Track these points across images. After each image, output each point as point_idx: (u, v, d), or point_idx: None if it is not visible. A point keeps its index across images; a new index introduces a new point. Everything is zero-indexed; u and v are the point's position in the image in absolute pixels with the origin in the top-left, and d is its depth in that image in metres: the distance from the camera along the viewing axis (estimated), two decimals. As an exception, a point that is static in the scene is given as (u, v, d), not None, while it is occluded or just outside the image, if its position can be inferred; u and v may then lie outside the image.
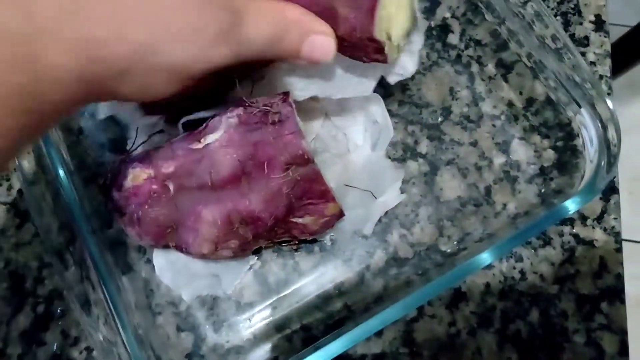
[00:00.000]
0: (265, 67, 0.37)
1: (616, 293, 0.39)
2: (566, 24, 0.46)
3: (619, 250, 0.40)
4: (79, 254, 0.34)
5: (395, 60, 0.35)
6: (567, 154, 0.41)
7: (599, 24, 0.46)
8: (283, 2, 0.28)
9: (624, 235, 0.41)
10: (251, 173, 0.33)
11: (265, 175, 0.33)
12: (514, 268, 0.39)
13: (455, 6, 0.46)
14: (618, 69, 0.91)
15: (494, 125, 0.42)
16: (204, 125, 0.35)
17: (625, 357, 0.37)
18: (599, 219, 0.41)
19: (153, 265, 0.39)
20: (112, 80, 0.23)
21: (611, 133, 0.35)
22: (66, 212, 0.34)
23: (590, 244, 0.40)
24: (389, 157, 0.41)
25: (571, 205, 0.34)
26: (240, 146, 0.33)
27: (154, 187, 0.34)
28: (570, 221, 0.40)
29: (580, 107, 0.37)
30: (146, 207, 0.34)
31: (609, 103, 0.35)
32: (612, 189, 0.41)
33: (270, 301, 0.39)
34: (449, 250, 0.40)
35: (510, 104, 0.43)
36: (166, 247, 0.36)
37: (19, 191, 0.42)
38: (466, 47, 0.44)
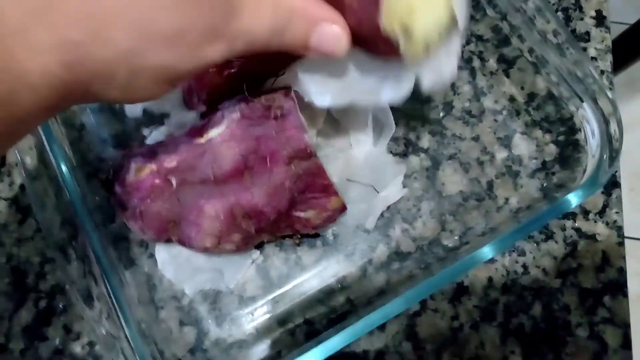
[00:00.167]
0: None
1: (619, 287, 0.39)
2: (567, 20, 0.46)
3: (621, 244, 0.40)
4: (81, 248, 0.34)
5: (419, 61, 0.28)
6: (569, 148, 0.41)
7: (600, 19, 0.46)
8: None
9: (625, 233, 0.41)
10: (254, 167, 0.33)
11: (268, 169, 0.33)
12: (517, 262, 0.39)
13: (456, 1, 0.46)
14: (618, 66, 0.91)
15: (495, 120, 0.42)
16: (207, 119, 0.35)
17: (628, 350, 0.37)
18: (601, 213, 0.41)
19: (155, 260, 0.39)
20: (94, 84, 0.21)
21: (613, 127, 0.35)
22: (69, 207, 0.34)
23: (592, 238, 0.40)
24: (391, 152, 0.41)
25: (573, 199, 0.34)
26: (242, 140, 0.33)
27: (157, 181, 0.34)
28: (572, 215, 0.41)
29: (582, 101, 0.37)
30: (149, 201, 0.34)
31: (611, 97, 0.35)
32: (614, 184, 0.41)
33: (272, 295, 0.39)
34: (451, 245, 0.40)
35: (511, 99, 0.43)
36: (169, 241, 0.36)
37: (21, 186, 0.42)
38: (467, 43, 0.45)
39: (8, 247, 0.40)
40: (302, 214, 0.36)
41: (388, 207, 0.40)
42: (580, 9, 0.46)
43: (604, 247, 0.40)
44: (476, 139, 0.42)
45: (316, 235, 0.39)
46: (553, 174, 0.41)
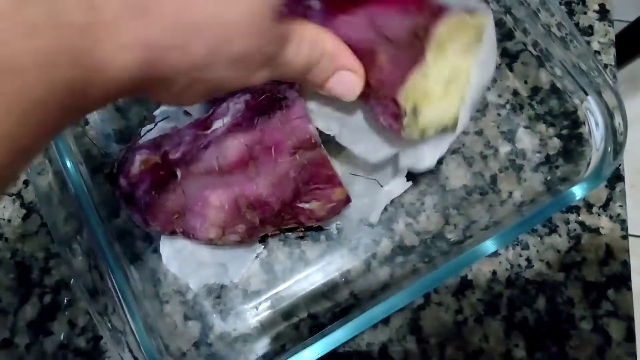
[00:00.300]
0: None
1: (622, 280, 0.39)
2: (570, 13, 0.46)
3: (624, 237, 0.40)
4: (86, 243, 0.34)
5: (410, 139, 0.31)
6: (573, 142, 0.41)
7: (603, 13, 0.46)
8: (325, 30, 0.27)
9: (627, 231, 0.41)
10: (258, 158, 0.33)
11: (273, 159, 0.33)
12: (520, 255, 0.39)
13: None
14: (618, 63, 0.91)
15: (499, 114, 0.42)
16: (211, 111, 0.35)
17: (632, 343, 0.37)
18: (605, 206, 0.41)
19: (160, 255, 0.39)
20: (155, 86, 0.22)
21: (618, 120, 0.35)
22: (73, 201, 0.34)
23: (596, 231, 0.40)
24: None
25: (577, 192, 0.34)
26: (247, 131, 0.33)
27: (161, 173, 0.34)
28: (575, 209, 0.41)
29: (586, 94, 0.37)
30: (154, 193, 0.34)
31: (616, 90, 0.35)
32: (617, 177, 0.41)
33: (276, 290, 0.39)
34: (455, 238, 0.40)
35: (515, 93, 0.43)
36: (173, 233, 0.36)
37: (25, 182, 0.42)
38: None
39: (12, 243, 0.40)
40: (306, 205, 0.35)
41: (392, 201, 0.40)
42: (584, 2, 0.46)
43: (607, 241, 0.40)
44: (479, 133, 0.42)
45: (320, 229, 0.39)
46: (557, 167, 0.41)
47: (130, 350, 0.32)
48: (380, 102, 0.30)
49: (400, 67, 0.28)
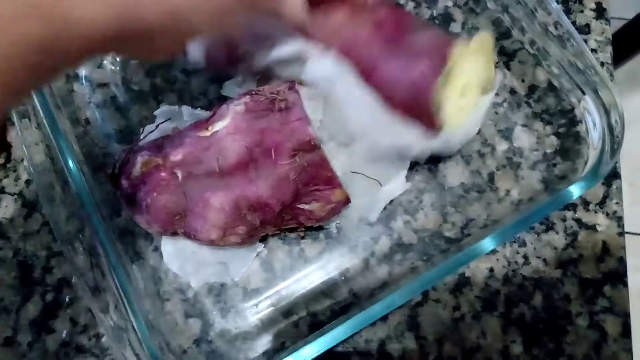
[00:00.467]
0: None
1: (619, 276, 0.39)
2: (567, 12, 0.46)
3: (621, 234, 0.40)
4: (88, 242, 0.34)
5: (439, 129, 0.36)
6: (570, 140, 0.41)
7: (600, 11, 0.46)
8: None
9: (625, 228, 0.41)
10: (258, 159, 0.33)
11: (273, 161, 0.33)
12: (517, 253, 0.40)
13: (457, -6, 0.46)
14: (616, 61, 0.92)
15: (496, 113, 0.43)
16: (212, 112, 0.35)
17: (628, 338, 0.38)
18: (601, 204, 0.41)
19: (161, 253, 0.39)
20: (131, 40, 0.22)
21: (614, 118, 0.36)
22: (75, 201, 0.35)
23: (592, 228, 0.40)
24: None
25: (575, 190, 0.34)
26: (247, 133, 0.34)
27: (163, 174, 0.34)
28: (572, 206, 0.41)
29: (583, 93, 0.37)
30: (155, 194, 0.34)
31: (613, 88, 0.36)
32: (614, 175, 0.41)
33: (276, 288, 0.39)
34: (452, 236, 0.40)
35: (512, 91, 0.43)
36: (175, 234, 0.36)
37: (27, 182, 0.42)
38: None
39: (14, 242, 0.41)
40: (306, 206, 0.36)
41: (391, 201, 0.41)
42: (580, 1, 0.46)
43: (604, 238, 0.40)
44: (477, 131, 0.42)
45: (319, 228, 0.40)
46: (554, 165, 0.41)
47: (132, 348, 0.32)
48: (416, 97, 0.35)
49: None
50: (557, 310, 0.39)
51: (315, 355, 0.31)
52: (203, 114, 0.41)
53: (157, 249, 0.39)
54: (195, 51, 0.37)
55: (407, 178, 0.41)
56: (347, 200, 0.36)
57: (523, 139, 0.42)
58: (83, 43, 0.20)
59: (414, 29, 0.37)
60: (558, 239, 0.40)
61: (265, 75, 0.39)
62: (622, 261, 0.40)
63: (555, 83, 0.40)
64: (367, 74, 0.36)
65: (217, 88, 0.43)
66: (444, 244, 0.40)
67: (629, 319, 0.39)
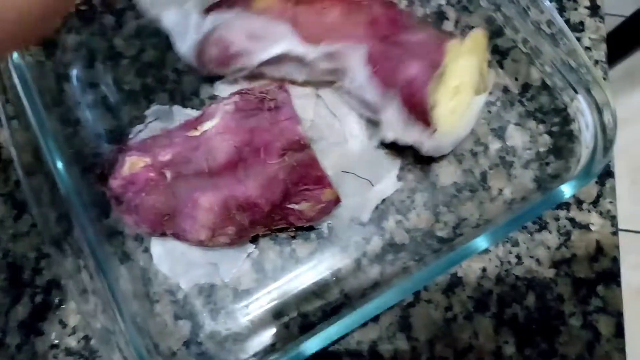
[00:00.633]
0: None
1: (612, 276, 0.39)
2: (561, 10, 0.46)
3: (615, 233, 0.40)
4: (76, 243, 0.34)
5: (433, 127, 0.36)
6: (563, 138, 0.41)
7: (594, 9, 0.46)
8: None
9: (625, 226, 0.41)
10: (247, 159, 0.33)
11: (262, 161, 0.33)
12: (510, 252, 0.40)
13: (450, -7, 0.46)
14: (615, 58, 0.91)
15: (489, 111, 0.42)
16: (201, 112, 0.35)
17: (621, 339, 0.38)
18: (595, 203, 0.41)
19: (150, 254, 0.39)
20: None
21: (607, 117, 0.35)
22: (64, 202, 0.34)
23: (586, 227, 0.40)
24: (386, 145, 0.41)
25: (567, 190, 0.34)
26: (236, 132, 0.33)
27: (151, 174, 0.34)
28: (566, 205, 0.41)
29: (576, 92, 0.37)
30: (143, 194, 0.34)
31: (605, 87, 0.35)
32: (608, 173, 0.41)
33: (267, 289, 0.39)
34: (445, 236, 0.40)
35: (505, 90, 0.43)
36: (164, 235, 0.36)
37: (16, 182, 0.42)
38: (462, 34, 0.44)
39: (4, 243, 0.40)
40: (296, 206, 0.36)
41: (383, 200, 0.40)
42: (574, -1, 0.46)
43: (597, 237, 0.40)
44: (470, 130, 0.42)
45: (311, 228, 0.40)
46: (547, 164, 0.41)
47: (120, 350, 0.32)
48: (411, 93, 0.35)
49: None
50: (550, 310, 0.38)
51: (306, 356, 0.31)
52: (194, 113, 0.41)
53: (147, 250, 0.39)
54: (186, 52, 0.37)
55: (399, 177, 0.40)
56: (337, 200, 0.36)
57: (516, 137, 0.42)
58: None
59: (409, 27, 0.37)
60: (551, 238, 0.40)
61: (256, 75, 0.38)
62: (615, 261, 0.39)
63: (548, 82, 0.40)
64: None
65: (209, 88, 0.43)
66: (436, 243, 0.39)
67: (622, 319, 0.38)
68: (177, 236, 0.35)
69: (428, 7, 0.46)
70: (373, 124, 0.41)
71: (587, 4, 0.46)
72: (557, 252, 0.40)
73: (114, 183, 0.35)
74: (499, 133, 0.42)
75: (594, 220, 0.40)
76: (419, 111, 0.35)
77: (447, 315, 0.38)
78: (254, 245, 0.39)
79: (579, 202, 0.41)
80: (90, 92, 0.44)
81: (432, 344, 0.38)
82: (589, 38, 0.45)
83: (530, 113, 0.42)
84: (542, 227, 0.40)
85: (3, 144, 0.43)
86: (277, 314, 0.38)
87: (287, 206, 0.35)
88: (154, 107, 0.42)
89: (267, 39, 0.35)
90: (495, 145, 0.42)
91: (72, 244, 0.34)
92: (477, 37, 0.37)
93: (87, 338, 0.38)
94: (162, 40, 0.43)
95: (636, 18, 0.89)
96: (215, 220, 0.34)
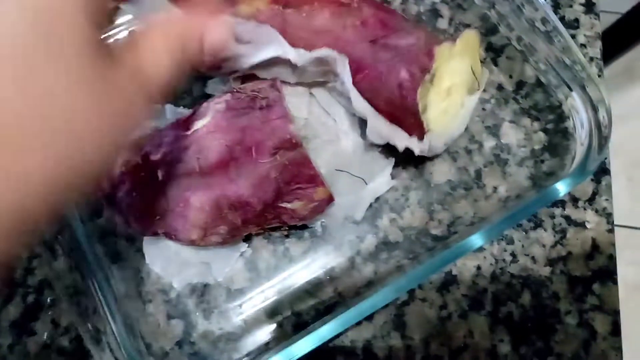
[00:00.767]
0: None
1: (608, 274, 0.39)
2: (556, 7, 0.46)
3: (611, 231, 0.40)
4: (68, 244, 0.34)
5: (425, 129, 0.36)
6: (558, 136, 0.40)
7: (589, 6, 0.46)
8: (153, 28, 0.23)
9: (622, 222, 0.41)
10: (239, 158, 0.33)
11: (253, 160, 0.33)
12: (505, 250, 0.39)
13: (444, -10, 0.45)
14: (611, 55, 0.91)
15: (483, 109, 0.42)
16: (192, 111, 0.35)
17: (618, 337, 0.37)
18: (591, 200, 0.40)
19: (143, 254, 0.38)
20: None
21: (602, 114, 0.35)
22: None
23: (582, 225, 0.40)
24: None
25: (562, 187, 0.34)
26: (228, 131, 0.33)
27: (142, 174, 0.34)
28: (561, 203, 0.40)
29: (571, 89, 0.37)
30: (134, 194, 0.34)
31: (600, 84, 0.35)
32: (603, 171, 0.41)
33: (260, 288, 0.38)
34: (439, 234, 0.39)
35: (500, 88, 0.43)
36: (155, 234, 0.36)
37: (8, 182, 0.41)
38: (455, 31, 0.44)
39: (-5, 243, 0.40)
40: (288, 205, 0.35)
41: (377, 199, 0.40)
42: (569, -5, 0.46)
43: (593, 235, 0.40)
44: (463, 129, 0.42)
45: (304, 227, 0.39)
46: (542, 162, 0.41)
47: (112, 351, 0.31)
48: (401, 98, 0.35)
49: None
50: (546, 308, 0.38)
51: (299, 355, 0.31)
52: (186, 112, 0.40)
53: (139, 249, 0.39)
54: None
55: (393, 175, 0.40)
56: (330, 199, 0.36)
57: (511, 135, 0.42)
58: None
59: (399, 29, 0.37)
60: (547, 236, 0.40)
61: (248, 76, 0.38)
62: (611, 258, 0.39)
63: (543, 79, 0.40)
64: (352, 75, 0.36)
65: (202, 86, 0.42)
66: (430, 241, 0.39)
67: (618, 317, 0.38)
68: (169, 236, 0.35)
69: (422, 5, 0.45)
70: (366, 123, 0.41)
71: (582, 1, 0.46)
72: (552, 250, 0.39)
73: (105, 183, 0.34)
74: (494, 131, 0.42)
75: (590, 217, 0.40)
76: (410, 114, 0.35)
77: (442, 314, 0.38)
78: (247, 244, 0.39)
79: (574, 200, 0.41)
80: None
81: (427, 343, 0.38)
82: (584, 35, 0.45)
83: (525, 110, 0.42)
84: (538, 224, 0.40)
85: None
86: (270, 313, 0.38)
87: (280, 205, 0.35)
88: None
89: (257, 44, 0.35)
90: (489, 143, 0.41)
91: (63, 244, 0.34)
92: (469, 38, 0.37)
93: (79, 338, 0.38)
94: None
95: (632, 15, 0.89)
96: (207, 220, 0.33)
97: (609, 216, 0.40)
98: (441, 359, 0.37)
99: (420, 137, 0.36)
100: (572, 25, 0.45)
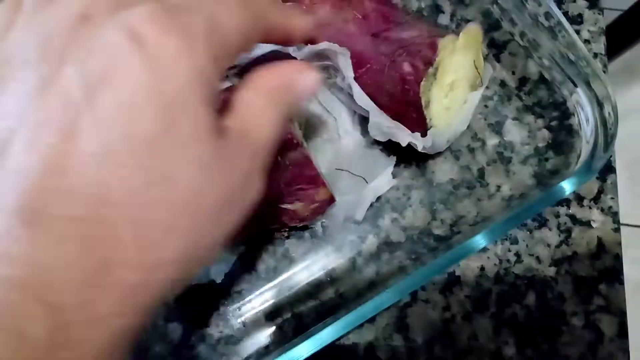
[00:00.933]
0: None
1: (614, 274, 0.38)
2: (559, 2, 0.45)
3: (616, 230, 0.39)
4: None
5: (429, 123, 0.35)
6: (562, 133, 0.40)
7: (593, 1, 0.45)
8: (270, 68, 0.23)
9: (624, 220, 0.40)
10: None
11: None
12: (509, 251, 0.39)
13: (445, -15, 0.45)
14: (612, 52, 0.91)
15: (486, 106, 0.41)
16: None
17: (625, 339, 0.37)
18: (596, 199, 0.40)
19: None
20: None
21: (608, 110, 0.34)
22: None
23: (587, 224, 0.39)
24: (380, 143, 0.40)
25: (568, 186, 0.33)
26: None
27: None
28: (566, 202, 0.40)
29: (575, 85, 0.36)
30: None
31: (605, 80, 0.34)
32: (608, 169, 0.40)
33: (260, 289, 0.38)
34: (442, 234, 0.39)
35: (502, 84, 0.42)
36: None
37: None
38: (457, 27, 0.43)
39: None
40: (289, 206, 0.35)
41: (378, 198, 0.39)
42: (573, -9, 0.45)
43: (599, 234, 0.39)
44: (466, 127, 0.41)
45: (305, 228, 0.39)
46: (546, 160, 0.40)
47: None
48: (405, 95, 0.34)
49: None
50: (551, 309, 0.37)
51: (301, 359, 0.30)
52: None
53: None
54: None
55: (394, 174, 0.39)
56: (331, 199, 0.35)
57: (514, 132, 0.41)
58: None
59: (401, 23, 0.36)
60: (551, 235, 0.39)
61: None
62: (618, 258, 0.38)
63: (547, 75, 0.39)
64: (354, 70, 0.35)
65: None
66: (433, 242, 0.38)
67: (625, 318, 0.37)
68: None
69: (423, 1, 0.45)
70: (367, 120, 0.40)
71: (586, -5, 0.45)
72: (557, 250, 0.39)
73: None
74: (497, 128, 0.41)
75: (595, 216, 0.39)
76: (413, 109, 0.34)
77: (445, 316, 0.37)
78: (246, 246, 0.38)
79: (579, 199, 0.40)
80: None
81: (430, 345, 0.37)
82: (588, 31, 0.44)
83: (528, 107, 0.41)
84: (542, 224, 0.39)
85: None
86: (270, 315, 0.37)
87: (280, 206, 0.34)
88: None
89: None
90: (492, 141, 0.41)
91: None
92: (472, 32, 0.36)
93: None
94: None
95: (634, 12, 0.88)
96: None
97: (614, 215, 0.39)
98: (445, 361, 0.37)
99: (423, 133, 0.35)
100: (576, 20, 0.44)
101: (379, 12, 0.36)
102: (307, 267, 0.38)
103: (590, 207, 0.40)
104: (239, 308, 0.37)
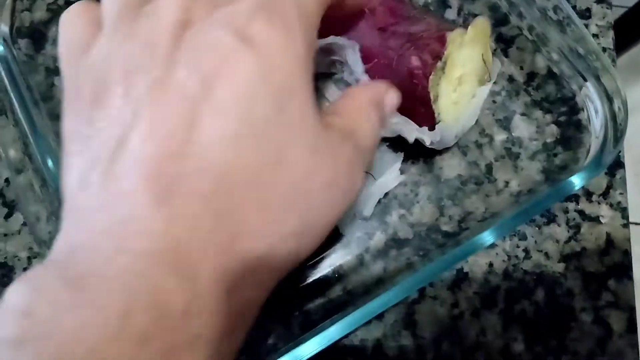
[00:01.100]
0: None
1: (623, 270, 0.38)
2: (567, -4, 0.44)
3: (625, 226, 0.39)
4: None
5: (437, 118, 0.35)
6: (571, 128, 0.39)
7: (601, -5, 0.44)
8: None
9: (631, 218, 0.40)
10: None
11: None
12: (518, 247, 0.38)
13: (452, -21, 0.44)
14: (618, 48, 0.90)
15: (494, 101, 0.41)
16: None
17: (634, 334, 0.36)
18: (605, 194, 0.39)
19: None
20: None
21: (617, 105, 0.34)
22: (54, 200, 0.33)
23: (596, 220, 0.39)
24: (387, 139, 0.40)
25: (577, 181, 0.33)
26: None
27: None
28: (575, 197, 0.39)
29: (585, 79, 0.36)
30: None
31: (615, 74, 0.34)
32: (617, 164, 0.40)
33: (267, 287, 0.37)
34: (450, 230, 0.38)
35: (511, 79, 0.42)
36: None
37: (6, 180, 0.41)
38: (464, 22, 0.43)
39: (-5, 242, 0.39)
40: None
41: (386, 194, 0.39)
42: (581, -16, 0.45)
43: (608, 230, 0.39)
44: (474, 122, 0.41)
45: (311, 224, 0.38)
46: (555, 155, 0.40)
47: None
48: (414, 90, 0.34)
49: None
50: (560, 305, 0.37)
51: (308, 356, 0.30)
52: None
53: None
54: None
55: (402, 170, 0.39)
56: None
57: (522, 128, 0.40)
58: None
59: (408, 17, 0.36)
60: (560, 231, 0.39)
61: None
62: (627, 254, 0.38)
63: (555, 70, 0.39)
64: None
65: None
66: (441, 238, 0.38)
67: (634, 313, 0.37)
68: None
69: (430, -5, 0.44)
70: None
71: (594, -11, 0.45)
72: (566, 246, 0.38)
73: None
74: (505, 124, 0.41)
75: (604, 212, 0.39)
76: (421, 103, 0.34)
77: (454, 312, 0.37)
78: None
79: (588, 194, 0.39)
80: (82, 86, 0.42)
81: (438, 342, 0.37)
82: (596, 25, 0.44)
83: (537, 102, 0.41)
84: (551, 220, 0.39)
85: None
86: (277, 312, 0.37)
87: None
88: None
89: None
90: (500, 137, 0.40)
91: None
92: (480, 26, 0.36)
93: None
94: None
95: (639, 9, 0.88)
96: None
97: (623, 210, 0.39)
98: (453, 358, 0.36)
99: (431, 128, 0.35)
100: (584, 15, 0.44)
101: (386, 6, 0.36)
102: (314, 263, 0.38)
103: (599, 203, 0.39)
104: (246, 305, 0.37)
